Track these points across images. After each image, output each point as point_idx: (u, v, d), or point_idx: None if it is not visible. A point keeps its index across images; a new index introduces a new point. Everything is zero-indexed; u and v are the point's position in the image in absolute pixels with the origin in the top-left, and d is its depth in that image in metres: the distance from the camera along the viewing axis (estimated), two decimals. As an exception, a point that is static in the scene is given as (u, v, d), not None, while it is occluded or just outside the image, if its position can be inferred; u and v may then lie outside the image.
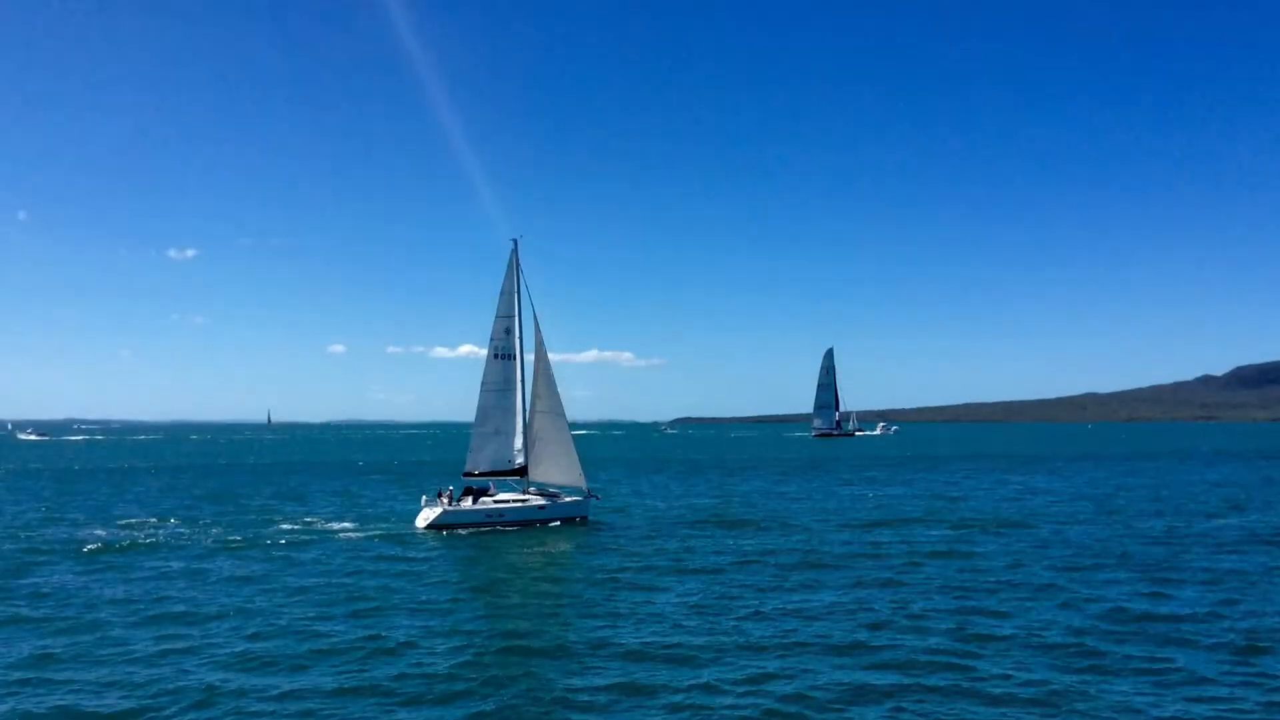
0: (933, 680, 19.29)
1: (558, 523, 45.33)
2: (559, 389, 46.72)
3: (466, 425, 48.23)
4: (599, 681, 19.29)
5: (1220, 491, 64.45)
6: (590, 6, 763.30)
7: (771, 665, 20.40)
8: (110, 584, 30.12)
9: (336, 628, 24.03)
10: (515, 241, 46.48)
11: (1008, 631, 23.29)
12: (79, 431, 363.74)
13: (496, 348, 46.23)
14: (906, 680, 19.31)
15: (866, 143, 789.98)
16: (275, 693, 18.57)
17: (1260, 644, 21.98)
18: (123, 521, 47.44)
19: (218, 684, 19.07)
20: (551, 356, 46.94)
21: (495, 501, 45.12)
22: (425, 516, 44.01)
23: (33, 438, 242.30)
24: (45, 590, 29.11)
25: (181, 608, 26.48)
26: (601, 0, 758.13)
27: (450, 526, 43.28)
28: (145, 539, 40.48)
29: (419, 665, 20.52)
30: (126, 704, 17.96)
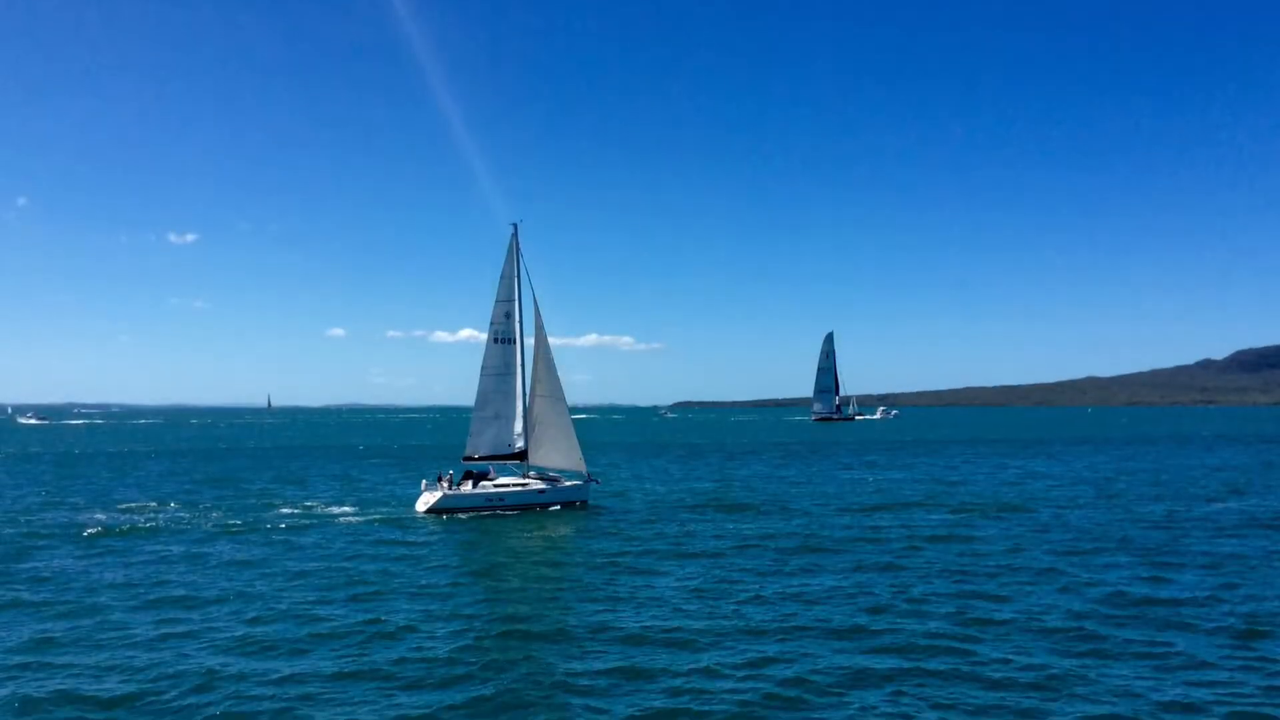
0: (933, 664, 19.28)
1: (558, 507, 45.34)
2: (559, 373, 46.69)
3: (466, 409, 48.19)
4: (599, 665, 19.29)
5: (1220, 476, 64.48)
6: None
7: (771, 649, 20.40)
8: (110, 568, 30.13)
9: (336, 612, 24.03)
10: (515, 226, 46.33)
11: (1007, 615, 23.29)
12: (79, 416, 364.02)
13: (496, 332, 46.12)
14: (906, 664, 19.31)
15: (866, 128, 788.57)
16: (275, 677, 18.57)
17: (1260, 628, 21.97)
18: (123, 506, 47.46)
19: (218, 668, 19.07)
20: (551, 341, 46.92)
21: (495, 485, 45.11)
22: (425, 500, 44.02)
23: (33, 422, 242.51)
24: (45, 574, 29.11)
25: (181, 592, 26.49)
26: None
27: (450, 510, 43.29)
28: (145, 523, 40.50)
29: (419, 649, 20.52)
30: (127, 688, 17.95)
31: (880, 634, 21.64)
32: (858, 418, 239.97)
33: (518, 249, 46.21)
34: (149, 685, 18.09)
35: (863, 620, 22.93)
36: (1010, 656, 19.74)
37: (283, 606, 24.59)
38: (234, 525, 39.86)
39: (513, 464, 46.83)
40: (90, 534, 37.17)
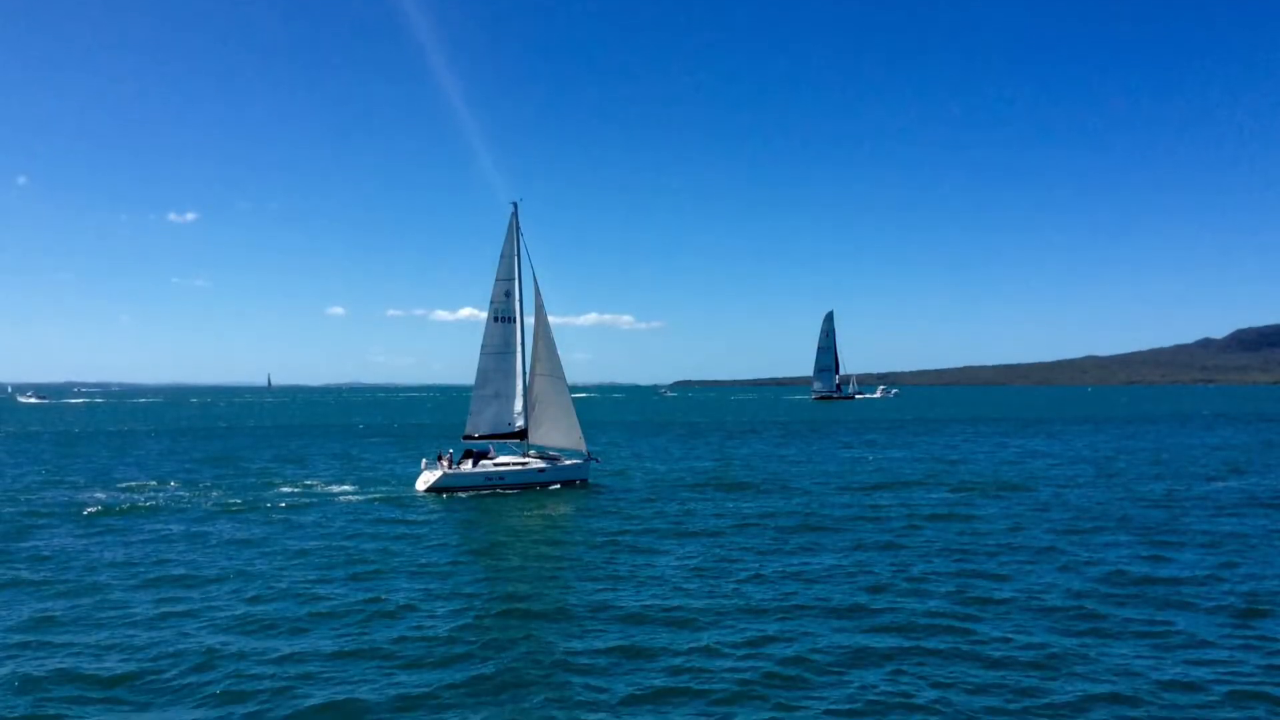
0: (932, 643, 19.28)
1: (558, 485, 45.34)
2: (559, 352, 46.57)
3: (466, 388, 48.13)
4: (599, 644, 19.28)
5: (1220, 455, 64.49)
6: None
7: (771, 628, 20.40)
8: (110, 547, 30.13)
9: (336, 591, 24.03)
10: (515, 205, 46.07)
11: (1007, 594, 23.28)
12: (79, 394, 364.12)
13: (496, 310, 45.96)
14: (906, 643, 19.30)
15: (866, 107, 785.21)
16: (275, 655, 18.56)
17: (1260, 607, 21.97)
18: (123, 484, 47.48)
19: (218, 647, 19.06)
20: (551, 319, 46.77)
21: (495, 464, 45.09)
22: (425, 479, 44.02)
23: (33, 400, 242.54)
24: (45, 553, 29.11)
25: (181, 571, 26.49)
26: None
27: (450, 489, 43.29)
28: (145, 502, 40.51)
29: (419, 628, 20.51)
30: (127, 667, 17.95)
31: (880, 613, 21.64)
32: (858, 396, 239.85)
33: (518, 227, 46.00)
34: (149, 664, 18.09)
35: (863, 599, 22.92)
36: (1010, 635, 19.73)
37: (283, 585, 24.58)
38: (234, 504, 39.86)
39: (513, 443, 46.79)
40: (90, 513, 37.18)
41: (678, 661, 18.20)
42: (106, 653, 18.87)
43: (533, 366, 46.42)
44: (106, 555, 28.68)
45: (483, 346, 45.93)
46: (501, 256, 45.95)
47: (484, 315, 46.20)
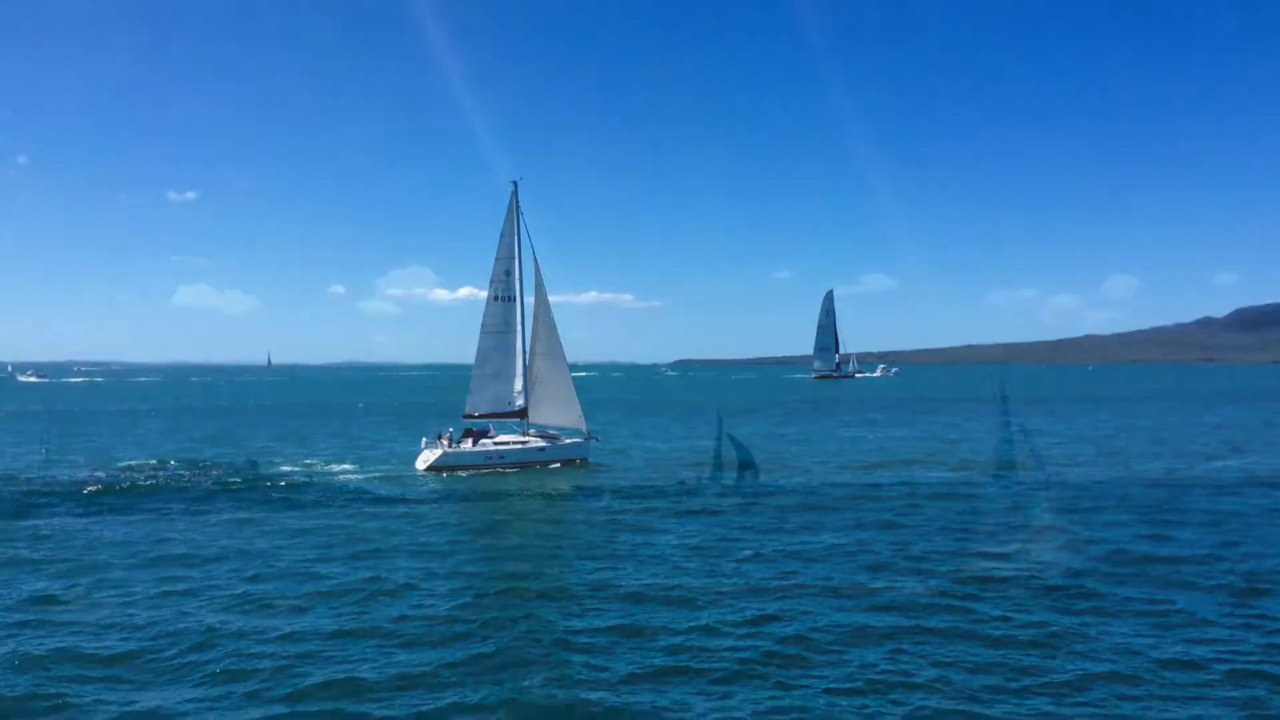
0: (933, 622, 19.26)
1: (558, 464, 45.35)
2: (559, 331, 46.47)
3: (466, 367, 48.06)
4: (599, 623, 19.28)
5: (1220, 434, 64.48)
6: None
7: (772, 607, 20.39)
8: (110, 526, 30.14)
9: (336, 570, 24.02)
10: (515, 184, 45.87)
11: (1007, 573, 23.27)
12: (79, 374, 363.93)
13: (496, 290, 45.82)
14: (906, 622, 19.29)
15: (865, 86, 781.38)
16: (275, 634, 18.57)
17: (1260, 586, 21.96)
18: (123, 464, 47.48)
19: (218, 626, 19.06)
20: (551, 298, 46.63)
21: (495, 443, 45.10)
22: (425, 458, 44.02)
23: (33, 380, 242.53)
24: (45, 532, 29.12)
25: (181, 550, 26.49)
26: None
27: (450, 468, 43.29)
28: (145, 481, 40.51)
29: (419, 607, 20.51)
30: (127, 646, 17.96)
31: (880, 592, 21.63)
32: (858, 375, 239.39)
33: (517, 206, 45.80)
34: (149, 643, 18.10)
35: (863, 578, 22.92)
36: (1010, 614, 19.73)
37: (282, 564, 24.59)
38: (234, 483, 39.87)
39: (513, 422, 46.78)
40: (90, 492, 37.18)
41: (678, 640, 18.20)
42: (106, 631, 18.88)
43: (533, 345, 46.35)
44: (106, 534, 28.69)
45: (483, 326, 45.85)
46: (501, 236, 45.79)
47: (484, 294, 46.12)
